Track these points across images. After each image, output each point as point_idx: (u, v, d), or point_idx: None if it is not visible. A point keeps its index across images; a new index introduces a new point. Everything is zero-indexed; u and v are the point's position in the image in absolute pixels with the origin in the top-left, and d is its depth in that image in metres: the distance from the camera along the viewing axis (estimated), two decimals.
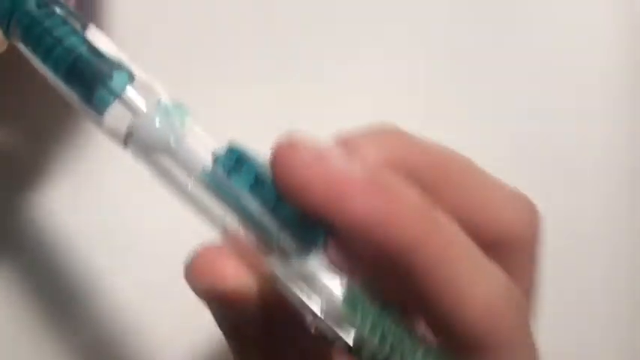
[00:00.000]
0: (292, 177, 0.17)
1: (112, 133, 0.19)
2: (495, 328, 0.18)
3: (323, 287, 0.17)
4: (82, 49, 0.19)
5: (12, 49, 0.20)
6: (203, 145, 0.19)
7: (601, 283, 0.35)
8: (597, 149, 0.34)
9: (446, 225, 0.18)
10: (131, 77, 0.19)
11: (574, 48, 0.35)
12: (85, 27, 0.19)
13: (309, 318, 0.17)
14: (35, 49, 0.19)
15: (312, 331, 0.18)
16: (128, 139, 0.19)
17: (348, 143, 0.19)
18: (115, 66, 0.19)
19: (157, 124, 0.18)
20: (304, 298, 0.17)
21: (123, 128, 0.19)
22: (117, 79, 0.19)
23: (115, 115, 0.19)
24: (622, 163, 0.35)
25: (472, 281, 0.18)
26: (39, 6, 0.19)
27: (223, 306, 0.19)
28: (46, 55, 0.19)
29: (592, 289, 0.34)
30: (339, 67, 0.32)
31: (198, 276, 0.19)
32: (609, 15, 0.35)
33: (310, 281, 0.17)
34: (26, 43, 0.19)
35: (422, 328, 0.19)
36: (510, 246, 0.20)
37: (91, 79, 0.19)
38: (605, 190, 0.34)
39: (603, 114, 0.34)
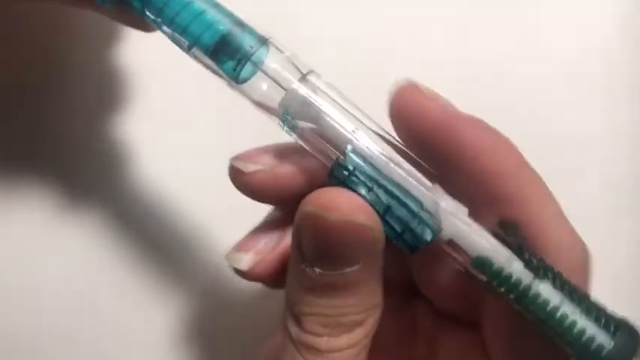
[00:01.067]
0: (416, 106, 0.20)
1: (265, 107, 0.21)
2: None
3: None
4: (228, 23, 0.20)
5: None
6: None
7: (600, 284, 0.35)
8: (598, 149, 0.35)
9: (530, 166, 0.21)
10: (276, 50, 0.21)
11: (575, 47, 0.35)
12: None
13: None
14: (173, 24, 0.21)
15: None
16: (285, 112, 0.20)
17: None
18: (261, 40, 0.20)
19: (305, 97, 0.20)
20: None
21: (275, 101, 0.21)
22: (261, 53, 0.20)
23: (263, 87, 0.21)
24: (622, 165, 0.35)
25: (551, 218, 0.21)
26: None
27: None
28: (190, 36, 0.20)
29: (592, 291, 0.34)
30: None
31: None
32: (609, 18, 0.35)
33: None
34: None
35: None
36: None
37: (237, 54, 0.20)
38: (606, 190, 0.35)
39: (604, 114, 0.35)
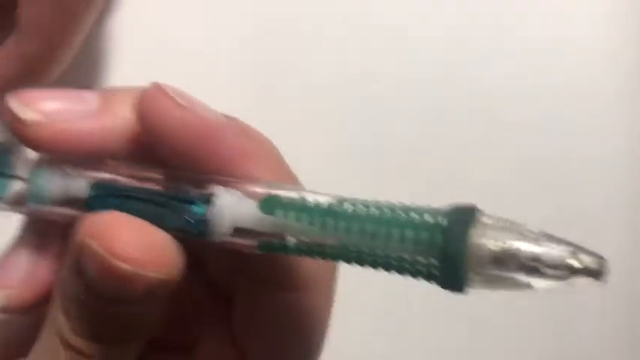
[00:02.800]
0: (165, 117, 0.18)
1: None
2: None
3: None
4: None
5: None
6: None
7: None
8: (598, 152, 0.35)
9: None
10: None
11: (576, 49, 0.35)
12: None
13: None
14: None
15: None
16: None
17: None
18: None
19: None
20: None
21: None
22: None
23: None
24: (622, 165, 0.35)
25: None
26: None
27: None
28: None
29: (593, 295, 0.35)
30: None
31: None
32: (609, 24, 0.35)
33: None
34: None
35: None
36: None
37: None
38: (605, 192, 0.35)
39: (604, 117, 0.35)
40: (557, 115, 0.35)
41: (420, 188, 0.32)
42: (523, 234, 0.15)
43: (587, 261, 0.15)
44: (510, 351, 0.34)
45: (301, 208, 0.17)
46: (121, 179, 0.18)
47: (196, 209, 0.18)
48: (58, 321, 0.18)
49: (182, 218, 0.18)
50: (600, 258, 0.15)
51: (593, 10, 0.35)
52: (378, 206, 0.16)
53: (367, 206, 0.16)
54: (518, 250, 0.15)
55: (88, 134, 0.19)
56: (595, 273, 0.15)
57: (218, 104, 0.19)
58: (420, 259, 0.16)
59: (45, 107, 0.19)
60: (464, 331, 0.33)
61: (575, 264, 0.15)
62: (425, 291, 0.17)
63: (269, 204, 0.17)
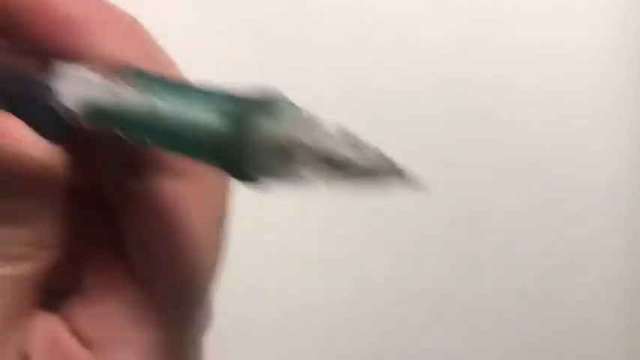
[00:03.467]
0: None
1: None
2: None
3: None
4: None
5: None
6: None
7: (601, 287, 0.35)
8: (598, 153, 0.35)
9: None
10: None
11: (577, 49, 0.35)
12: None
13: None
14: None
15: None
16: None
17: None
18: None
19: None
20: None
21: None
22: None
23: None
24: (622, 167, 0.35)
25: None
26: None
27: None
28: None
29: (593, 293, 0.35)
30: None
31: None
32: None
33: None
34: None
35: None
36: None
37: None
38: (606, 194, 0.35)
39: (604, 119, 0.35)
40: (557, 115, 0.35)
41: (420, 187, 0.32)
42: (321, 131, 0.15)
43: (386, 164, 0.15)
44: (509, 350, 0.34)
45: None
46: None
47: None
48: None
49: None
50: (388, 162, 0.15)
51: (593, 10, 0.35)
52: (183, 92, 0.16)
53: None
54: (309, 144, 0.14)
55: None
56: (396, 172, 0.15)
57: None
58: (212, 146, 0.15)
59: None
60: (463, 331, 0.33)
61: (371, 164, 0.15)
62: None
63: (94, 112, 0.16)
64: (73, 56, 0.17)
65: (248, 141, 0.14)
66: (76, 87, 0.17)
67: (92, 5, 0.18)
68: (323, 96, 0.31)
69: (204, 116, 0.15)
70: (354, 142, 0.15)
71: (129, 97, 0.16)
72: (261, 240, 0.31)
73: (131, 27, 0.18)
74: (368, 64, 0.33)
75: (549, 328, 0.34)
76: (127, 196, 0.19)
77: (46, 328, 0.20)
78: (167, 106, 0.16)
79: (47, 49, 0.17)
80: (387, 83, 0.33)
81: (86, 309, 0.20)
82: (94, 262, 0.20)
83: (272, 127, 0.14)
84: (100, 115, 0.16)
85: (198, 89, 0.16)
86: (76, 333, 0.20)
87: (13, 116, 0.17)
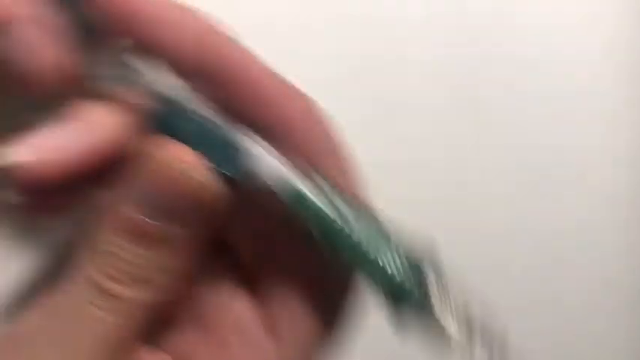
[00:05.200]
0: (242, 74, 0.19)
1: None
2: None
3: None
4: None
5: None
6: None
7: (601, 285, 0.35)
8: (598, 154, 0.35)
9: None
10: None
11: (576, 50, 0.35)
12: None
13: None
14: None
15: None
16: None
17: None
18: None
19: None
20: None
21: None
22: None
23: None
24: (622, 169, 0.35)
25: None
26: None
27: None
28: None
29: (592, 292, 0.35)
30: None
31: None
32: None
33: None
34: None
35: None
36: None
37: None
38: (606, 195, 0.35)
39: (605, 119, 0.35)
40: (557, 115, 0.35)
41: (421, 186, 0.32)
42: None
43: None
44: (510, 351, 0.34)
45: (317, 214, 0.19)
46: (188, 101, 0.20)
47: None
48: (84, 260, 0.19)
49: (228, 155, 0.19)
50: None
51: (594, 10, 0.35)
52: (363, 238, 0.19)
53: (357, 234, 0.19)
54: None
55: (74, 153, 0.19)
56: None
57: None
58: None
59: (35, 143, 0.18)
60: None
61: None
62: None
63: (293, 195, 0.19)
64: (273, 135, 0.19)
65: (421, 299, 0.19)
66: (272, 162, 0.19)
67: (303, 101, 0.20)
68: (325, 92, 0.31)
69: (390, 261, 0.19)
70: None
71: (323, 199, 0.19)
72: None
73: (325, 124, 0.20)
74: (368, 64, 0.33)
75: (549, 328, 0.34)
76: (270, 261, 0.20)
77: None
78: (360, 233, 0.19)
79: (251, 121, 0.19)
80: (386, 83, 0.33)
81: (202, 343, 0.21)
82: (216, 299, 0.21)
83: (438, 292, 0.19)
84: (297, 198, 0.19)
85: (383, 226, 0.19)
86: None
87: (199, 154, 0.18)
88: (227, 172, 0.19)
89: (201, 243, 0.19)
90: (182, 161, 0.18)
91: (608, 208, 0.35)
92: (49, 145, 0.18)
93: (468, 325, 0.19)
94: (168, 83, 0.20)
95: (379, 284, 0.19)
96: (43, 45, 0.18)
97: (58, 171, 0.18)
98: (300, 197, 0.19)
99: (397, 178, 0.33)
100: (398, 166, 0.32)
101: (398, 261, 0.19)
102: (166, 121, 0.20)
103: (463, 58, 0.34)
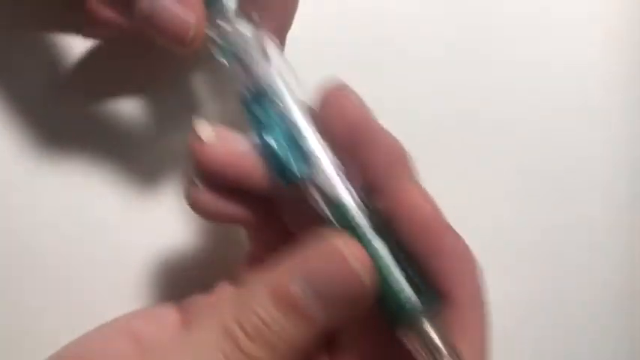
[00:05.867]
0: (346, 114, 0.22)
1: None
2: None
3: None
4: None
5: None
6: None
7: (602, 285, 0.35)
8: (598, 155, 0.35)
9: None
10: None
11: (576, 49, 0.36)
12: None
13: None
14: None
15: None
16: None
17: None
18: None
19: None
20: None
21: None
22: None
23: None
24: (623, 169, 0.36)
25: None
26: None
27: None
28: None
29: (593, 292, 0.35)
30: None
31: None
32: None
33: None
34: None
35: None
36: None
37: None
38: (606, 195, 0.35)
39: (605, 120, 0.35)
40: (557, 115, 0.35)
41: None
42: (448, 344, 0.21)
43: None
44: (510, 350, 0.34)
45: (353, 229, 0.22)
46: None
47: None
48: (235, 313, 0.20)
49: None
50: None
51: (594, 11, 0.35)
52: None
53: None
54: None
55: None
56: None
57: None
58: None
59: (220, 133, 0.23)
60: None
61: None
62: None
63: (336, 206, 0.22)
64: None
65: (415, 326, 0.21)
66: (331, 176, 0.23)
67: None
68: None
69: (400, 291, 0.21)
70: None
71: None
72: None
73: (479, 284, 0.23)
74: (367, 64, 0.33)
75: (549, 329, 0.35)
76: None
77: None
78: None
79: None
80: (385, 80, 0.33)
81: None
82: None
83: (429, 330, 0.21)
84: (339, 210, 0.22)
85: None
86: None
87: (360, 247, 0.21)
88: (288, 171, 0.22)
89: (328, 334, 0.21)
90: (356, 258, 0.20)
91: (608, 208, 0.35)
92: (229, 138, 0.23)
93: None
94: (276, 70, 0.23)
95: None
96: (194, 9, 0.21)
97: (223, 161, 0.23)
98: (341, 209, 0.22)
99: None
100: None
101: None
102: (256, 103, 0.22)
103: (462, 58, 0.34)
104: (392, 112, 0.33)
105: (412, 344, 0.21)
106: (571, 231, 0.34)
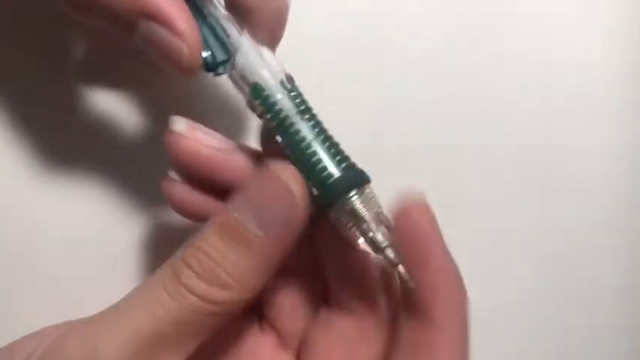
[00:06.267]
0: (421, 235, 0.22)
1: None
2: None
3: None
4: None
5: None
6: None
7: (602, 285, 0.35)
8: (599, 155, 0.35)
9: None
10: None
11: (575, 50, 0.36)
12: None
13: None
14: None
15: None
16: None
17: None
18: None
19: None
20: None
21: None
22: None
23: None
24: (623, 169, 0.35)
25: None
26: None
27: None
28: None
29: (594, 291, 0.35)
30: None
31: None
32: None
33: None
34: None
35: None
36: None
37: None
38: (606, 195, 0.35)
39: (605, 119, 0.35)
40: (557, 115, 0.35)
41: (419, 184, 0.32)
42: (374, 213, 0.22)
43: (390, 256, 0.21)
44: (511, 351, 0.34)
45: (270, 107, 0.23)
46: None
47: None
48: (183, 266, 0.21)
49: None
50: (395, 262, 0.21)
51: (595, 11, 0.35)
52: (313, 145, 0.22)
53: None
54: (364, 218, 0.22)
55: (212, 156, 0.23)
56: (393, 264, 0.21)
57: None
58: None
59: (193, 127, 0.24)
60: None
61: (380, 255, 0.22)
62: None
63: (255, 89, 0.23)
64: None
65: (342, 200, 0.22)
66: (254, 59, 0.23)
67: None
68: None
69: (328, 166, 0.22)
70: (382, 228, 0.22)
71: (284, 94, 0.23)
72: None
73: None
74: (368, 65, 0.33)
75: (549, 329, 0.35)
76: None
77: None
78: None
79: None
80: (385, 80, 0.33)
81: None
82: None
83: (357, 201, 0.22)
84: (256, 87, 0.23)
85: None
86: None
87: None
88: (218, 56, 0.23)
89: (275, 262, 0.21)
90: (287, 175, 0.21)
91: (608, 208, 0.35)
92: (202, 132, 0.24)
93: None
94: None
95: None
96: (193, 35, 0.22)
97: (196, 150, 0.23)
98: (258, 88, 0.22)
99: (396, 171, 0.33)
100: (396, 175, 0.32)
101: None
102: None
103: (461, 58, 0.34)
104: (392, 112, 0.34)
105: (341, 224, 0.22)
106: (571, 231, 0.34)
